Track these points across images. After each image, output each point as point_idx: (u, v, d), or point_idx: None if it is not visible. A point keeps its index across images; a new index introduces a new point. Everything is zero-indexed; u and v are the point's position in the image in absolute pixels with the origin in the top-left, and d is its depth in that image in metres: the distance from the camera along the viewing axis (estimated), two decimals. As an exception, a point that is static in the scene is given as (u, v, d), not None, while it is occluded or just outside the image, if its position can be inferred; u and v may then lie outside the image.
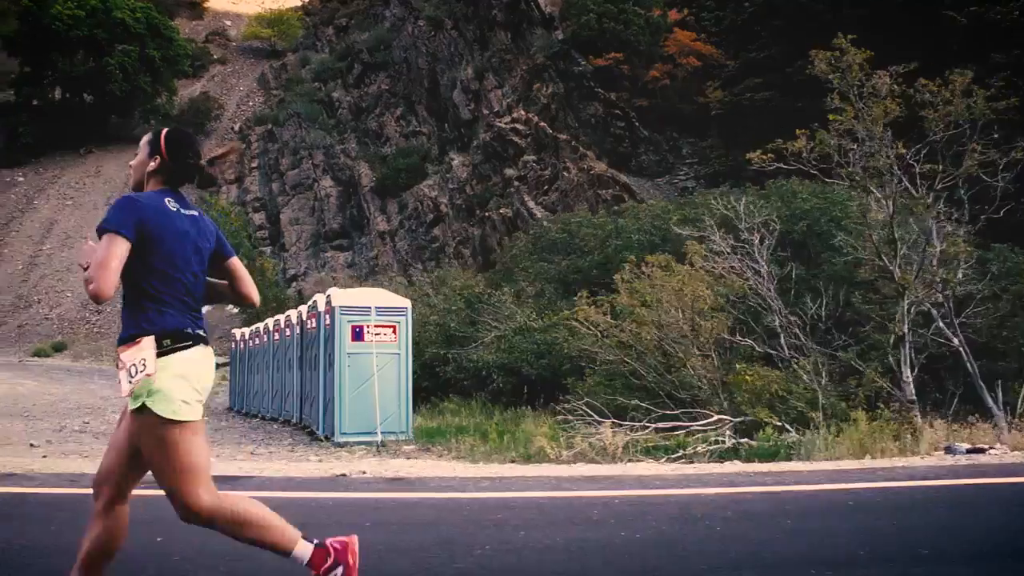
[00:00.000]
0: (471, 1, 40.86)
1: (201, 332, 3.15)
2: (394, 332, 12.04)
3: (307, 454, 10.91)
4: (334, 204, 39.30)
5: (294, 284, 36.40)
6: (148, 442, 2.99)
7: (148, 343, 2.99)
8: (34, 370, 30.02)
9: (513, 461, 9.68)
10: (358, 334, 11.89)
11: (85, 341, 36.44)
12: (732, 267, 12.57)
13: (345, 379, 11.79)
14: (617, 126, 32.95)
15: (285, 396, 16.01)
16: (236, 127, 50.39)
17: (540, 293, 16.14)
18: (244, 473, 6.93)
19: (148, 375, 2.94)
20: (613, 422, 9.46)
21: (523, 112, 32.24)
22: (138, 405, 2.97)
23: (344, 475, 6.69)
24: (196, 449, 3.02)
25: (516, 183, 29.54)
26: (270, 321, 17.94)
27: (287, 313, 16.63)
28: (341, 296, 12.23)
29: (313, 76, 46.92)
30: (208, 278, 3.33)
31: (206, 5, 61.85)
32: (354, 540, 3.12)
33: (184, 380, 3.01)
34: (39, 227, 43.29)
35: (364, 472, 6.83)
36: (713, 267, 12.44)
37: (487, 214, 29.71)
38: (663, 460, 9.15)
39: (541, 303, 16.05)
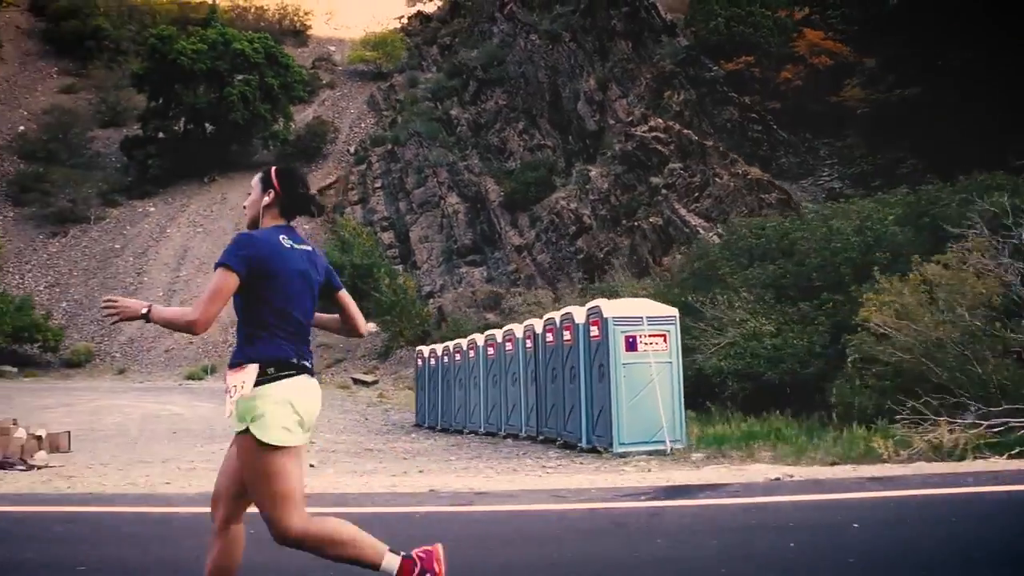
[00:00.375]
0: (587, 13, 41.11)
1: (308, 364, 3.28)
2: (664, 341, 12.17)
3: (607, 466, 11.03)
4: (463, 220, 39.75)
5: (431, 301, 36.86)
6: (248, 464, 3.14)
7: (252, 369, 3.16)
8: (200, 393, 30.99)
9: (834, 463, 9.71)
10: (632, 344, 12.05)
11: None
12: (982, 263, 12.47)
13: (621, 390, 11.94)
14: (754, 130, 32.77)
15: (509, 410, 16.25)
16: (351, 149, 51.43)
17: (759, 299, 16.13)
18: (708, 482, 7.05)
19: (244, 396, 3.10)
20: (947, 420, 9.43)
21: (660, 120, 32.25)
22: (242, 428, 3.11)
23: (778, 479, 6.80)
24: (291, 475, 3.14)
25: (664, 191, 29.54)
26: (478, 337, 18.24)
27: (507, 327, 16.89)
28: (611, 307, 12.40)
29: (429, 95, 47.58)
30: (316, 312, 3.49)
31: (308, 32, 63.21)
32: (438, 548, 3.25)
33: (287, 407, 3.13)
34: (173, 255, 44.69)
35: (792, 476, 6.92)
36: (965, 267, 12.33)
37: (636, 223, 29.76)
38: (1005, 456, 9.11)
39: (760, 308, 16.04)
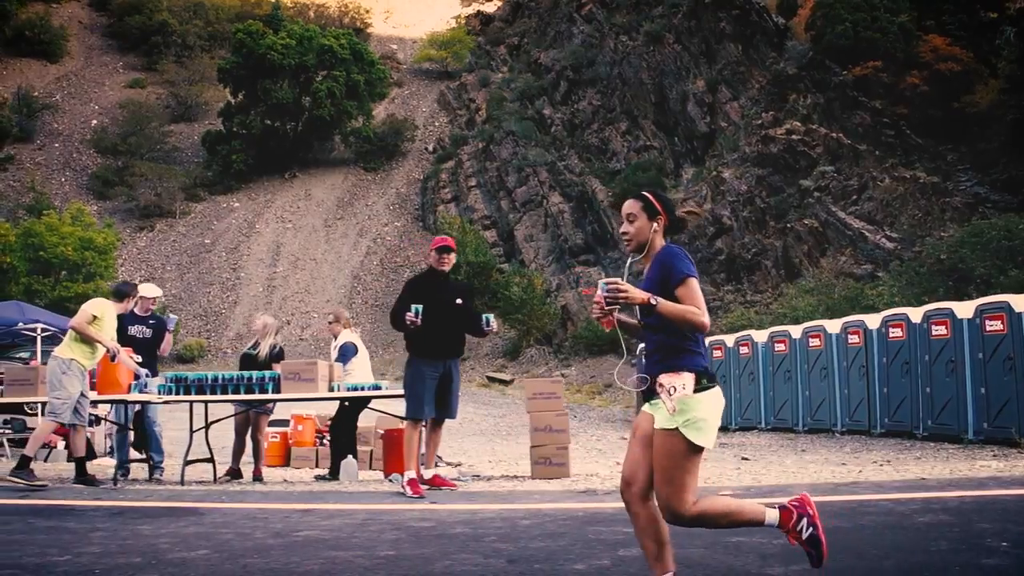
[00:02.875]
0: (692, 15, 41.41)
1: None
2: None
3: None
4: (569, 220, 39.90)
5: (548, 300, 36.91)
6: (668, 457, 3.39)
7: (688, 375, 3.43)
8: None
9: None
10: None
11: (348, 360, 37.35)
12: None
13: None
14: (887, 135, 33.17)
15: (815, 405, 16.50)
16: (429, 147, 51.44)
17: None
18: None
19: (684, 395, 3.38)
20: None
21: (799, 123, 32.64)
22: (672, 427, 3.38)
23: None
24: (699, 469, 3.48)
25: (816, 193, 29.91)
26: (753, 333, 18.46)
27: (809, 325, 17.14)
28: (1021, 302, 12.69)
29: (516, 95, 47.64)
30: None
31: (369, 30, 63.11)
32: (807, 495, 3.55)
33: (715, 415, 3.45)
34: (267, 250, 44.46)
35: None
36: None
37: (788, 225, 30.08)
38: None
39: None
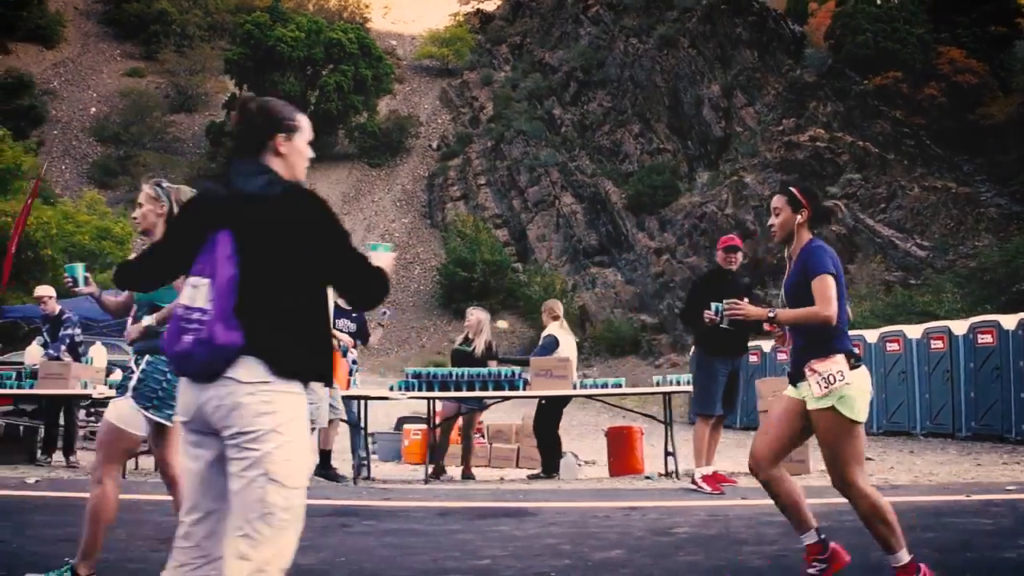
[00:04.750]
0: (707, 20, 41.82)
1: None
2: None
3: None
4: (582, 221, 40.11)
5: (565, 300, 37.05)
6: (831, 434, 3.78)
7: (841, 359, 3.80)
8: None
9: None
10: None
11: (368, 357, 37.21)
12: None
13: None
14: (907, 144, 33.79)
15: (891, 408, 16.87)
16: (433, 144, 51.35)
17: None
18: None
19: (847, 384, 3.74)
20: None
21: (822, 131, 33.16)
22: (827, 406, 3.76)
23: None
24: (863, 444, 3.84)
25: (844, 201, 30.39)
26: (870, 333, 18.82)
27: (891, 329, 17.51)
28: None
29: (525, 94, 47.75)
30: None
31: (368, 26, 62.76)
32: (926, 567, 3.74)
33: (863, 391, 3.81)
34: (274, 244, 44.10)
35: None
36: None
37: (815, 232, 30.44)
38: None
39: None
